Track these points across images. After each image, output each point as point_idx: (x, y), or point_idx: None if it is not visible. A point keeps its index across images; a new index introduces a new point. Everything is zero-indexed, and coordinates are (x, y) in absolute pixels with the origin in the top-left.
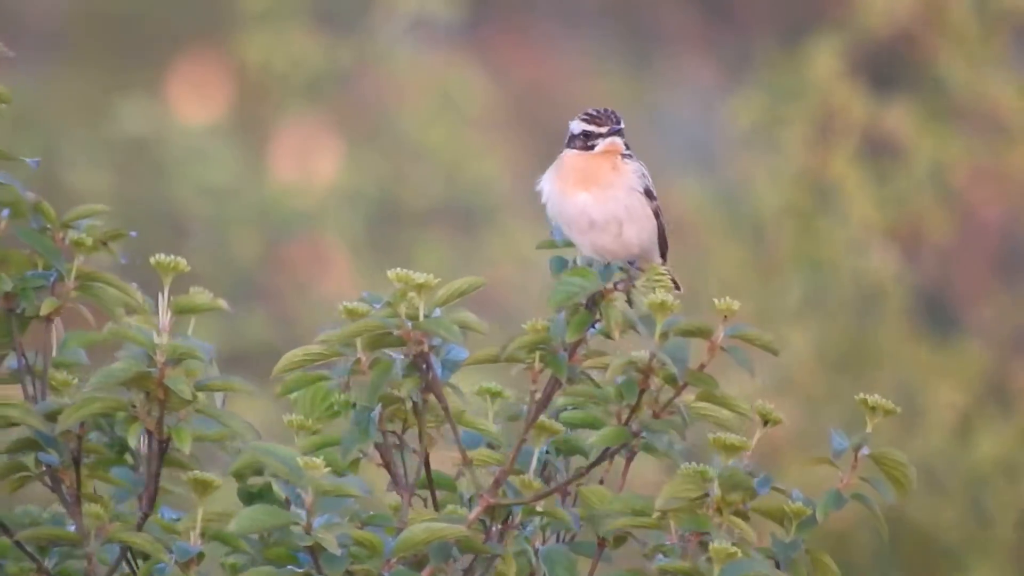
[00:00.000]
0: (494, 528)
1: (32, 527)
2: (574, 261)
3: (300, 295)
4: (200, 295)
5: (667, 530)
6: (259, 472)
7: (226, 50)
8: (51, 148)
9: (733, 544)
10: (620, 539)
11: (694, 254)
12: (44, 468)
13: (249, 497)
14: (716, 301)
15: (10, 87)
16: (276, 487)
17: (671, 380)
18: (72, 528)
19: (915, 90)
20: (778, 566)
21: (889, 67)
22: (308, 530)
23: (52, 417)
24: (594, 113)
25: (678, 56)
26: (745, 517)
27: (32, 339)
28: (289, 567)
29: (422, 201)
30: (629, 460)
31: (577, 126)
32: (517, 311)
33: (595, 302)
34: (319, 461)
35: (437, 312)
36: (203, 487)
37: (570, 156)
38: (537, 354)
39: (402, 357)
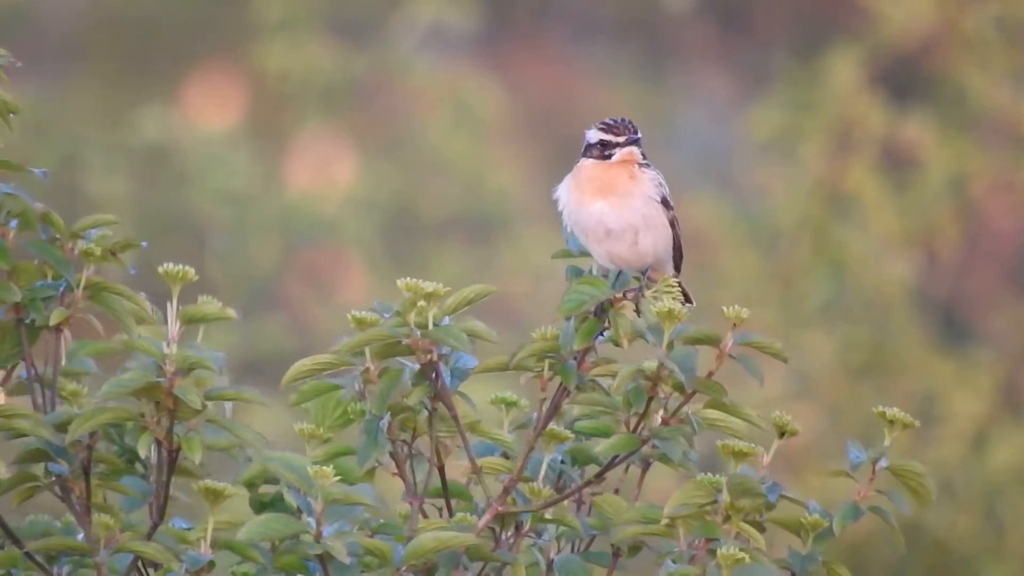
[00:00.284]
0: (504, 536)
1: (42, 537)
2: (590, 271)
3: (317, 304)
4: (209, 304)
5: (676, 537)
6: (270, 482)
7: (243, 59)
8: (70, 156)
9: (743, 550)
10: (635, 548)
11: (711, 266)
12: (54, 478)
13: (261, 507)
14: (725, 309)
15: (28, 96)
16: (288, 496)
17: (680, 388)
18: (82, 538)
19: (933, 101)
20: None
21: (907, 79)
22: (318, 538)
23: (62, 427)
24: (611, 122)
25: (694, 68)
26: (761, 528)
27: (41, 350)
28: None
29: (438, 211)
30: (644, 470)
31: (594, 135)
32: (532, 322)
33: (604, 310)
34: (328, 470)
35: (447, 321)
36: (214, 495)
37: (587, 165)
38: (546, 362)
39: (413, 365)
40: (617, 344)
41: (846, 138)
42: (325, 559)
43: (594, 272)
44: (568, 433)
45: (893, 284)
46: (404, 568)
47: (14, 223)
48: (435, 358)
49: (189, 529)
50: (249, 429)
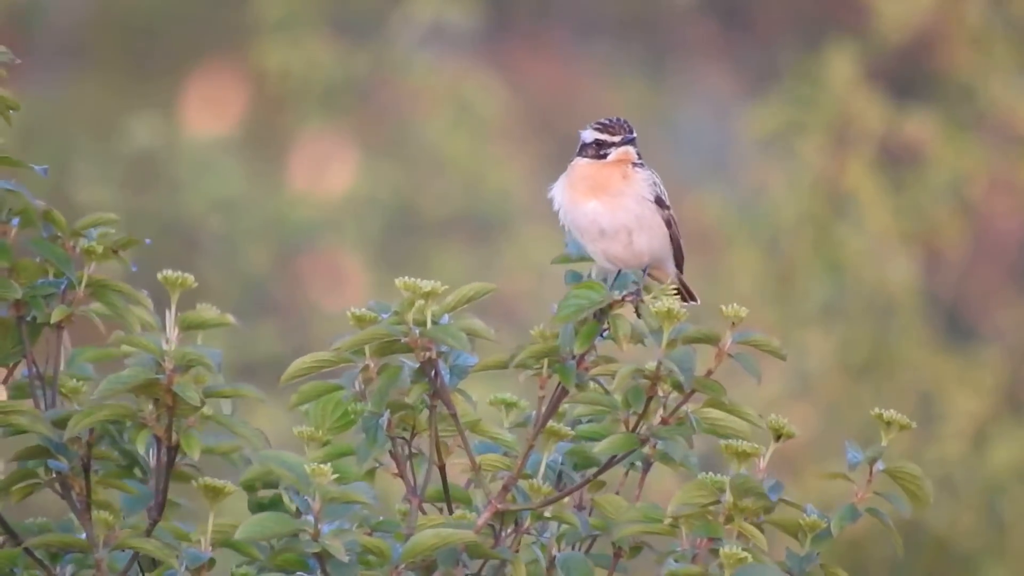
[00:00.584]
0: (503, 533)
1: (42, 534)
2: (589, 275)
3: (313, 307)
4: (208, 310)
5: (679, 537)
6: (269, 485)
7: (241, 62)
8: (63, 161)
9: (745, 550)
10: (636, 549)
11: (712, 264)
12: (54, 475)
13: (260, 508)
14: (724, 308)
15: (22, 98)
16: (287, 499)
17: (678, 387)
18: (82, 535)
19: (932, 98)
20: None
21: (907, 75)
22: (316, 537)
23: (61, 424)
24: (607, 122)
25: (695, 65)
26: (760, 530)
27: (42, 347)
28: (299, 574)
29: (438, 210)
30: (645, 471)
31: (589, 135)
32: (533, 320)
33: (603, 312)
34: (326, 468)
35: (446, 319)
36: (214, 493)
37: (581, 165)
38: (545, 361)
39: (413, 363)
40: (618, 345)
41: (845, 134)
42: (323, 557)
43: (593, 276)
44: (567, 430)
45: (893, 283)
46: (403, 566)
47: (16, 221)
48: (434, 356)
49: (189, 532)
50: (248, 426)
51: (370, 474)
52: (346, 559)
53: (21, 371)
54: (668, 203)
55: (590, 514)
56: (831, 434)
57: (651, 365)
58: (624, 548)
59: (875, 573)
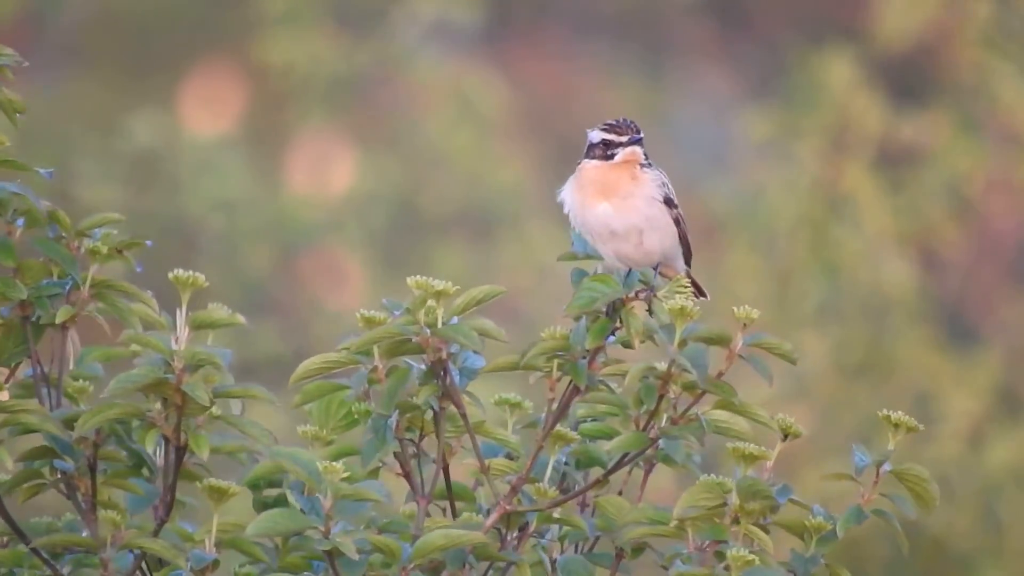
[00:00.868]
0: (509, 536)
1: (48, 534)
2: (595, 272)
3: (314, 307)
4: (218, 311)
5: (684, 539)
6: (274, 484)
7: (241, 60)
8: (63, 160)
9: (751, 552)
10: (638, 549)
11: (712, 264)
12: (59, 475)
13: (264, 507)
14: (735, 309)
15: (24, 96)
16: (291, 498)
17: (690, 387)
18: (87, 535)
19: (933, 99)
20: None
21: (906, 77)
22: (327, 534)
23: (68, 424)
24: (614, 123)
25: (694, 66)
26: (765, 531)
27: (47, 348)
28: (305, 575)
29: (440, 207)
30: (648, 472)
31: (596, 136)
32: (536, 318)
33: (615, 310)
34: (338, 465)
35: (455, 320)
36: (219, 494)
37: (589, 167)
38: (555, 362)
39: (420, 365)
40: (627, 346)
41: (843, 136)
42: (333, 555)
43: (599, 272)
44: (575, 435)
45: (892, 284)
46: (412, 566)
47: (20, 221)
48: (444, 356)
49: (195, 532)
50: (258, 425)
51: (374, 474)
52: (356, 557)
53: (24, 371)
54: (676, 202)
55: (593, 514)
56: (828, 434)
57: (662, 364)
58: (626, 549)
59: (872, 573)
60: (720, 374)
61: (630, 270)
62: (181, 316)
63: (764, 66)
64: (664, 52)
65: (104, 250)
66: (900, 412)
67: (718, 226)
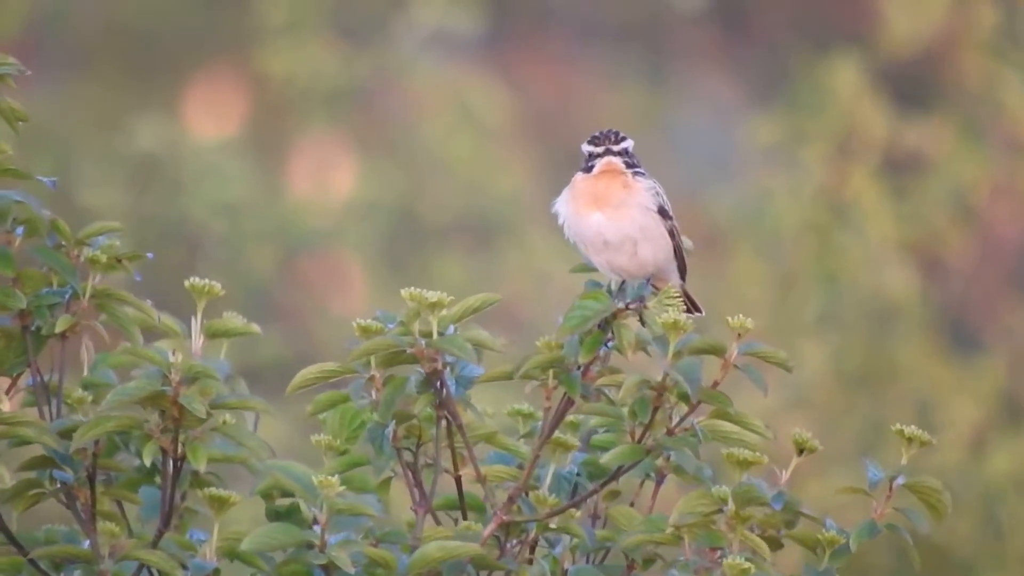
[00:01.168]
0: (508, 545)
1: (47, 545)
2: (609, 285)
3: (316, 312)
4: (234, 319)
5: (682, 546)
6: (288, 493)
7: (244, 66)
8: (66, 165)
9: (749, 560)
10: (649, 560)
11: (714, 272)
12: (59, 485)
13: (277, 517)
14: (730, 319)
15: (26, 101)
16: (304, 507)
17: (685, 398)
18: (87, 545)
19: (938, 106)
20: None
21: (911, 84)
22: (322, 548)
23: (67, 435)
24: (596, 135)
25: (697, 72)
26: (779, 544)
27: (47, 357)
28: None
29: (440, 215)
30: (659, 483)
31: (585, 148)
32: (536, 325)
33: (608, 322)
34: (334, 479)
35: (452, 329)
36: (220, 504)
37: (580, 179)
38: (551, 372)
39: (418, 374)
40: (621, 352)
41: (848, 143)
42: (330, 569)
43: (613, 285)
44: (574, 441)
45: (894, 290)
46: None
47: (20, 230)
48: (440, 367)
49: (206, 540)
50: (255, 437)
51: (386, 483)
52: (352, 571)
53: (24, 381)
54: (671, 213)
55: (604, 525)
56: (830, 443)
57: (657, 376)
58: (637, 560)
59: None
60: (715, 384)
61: (624, 282)
62: (196, 324)
63: (768, 72)
64: (667, 58)
65: (104, 259)
66: (913, 426)
67: (721, 232)
